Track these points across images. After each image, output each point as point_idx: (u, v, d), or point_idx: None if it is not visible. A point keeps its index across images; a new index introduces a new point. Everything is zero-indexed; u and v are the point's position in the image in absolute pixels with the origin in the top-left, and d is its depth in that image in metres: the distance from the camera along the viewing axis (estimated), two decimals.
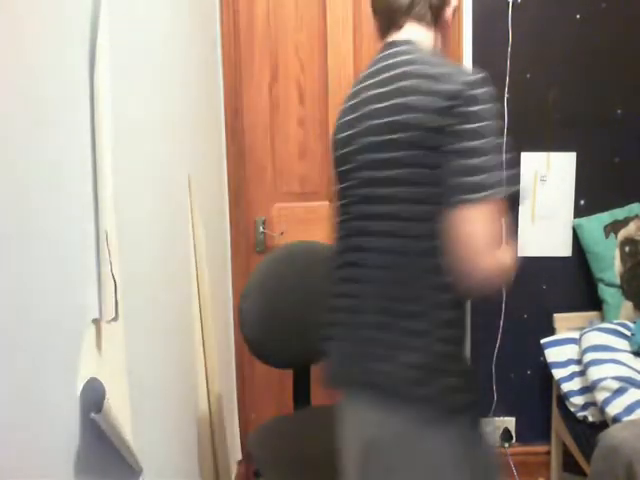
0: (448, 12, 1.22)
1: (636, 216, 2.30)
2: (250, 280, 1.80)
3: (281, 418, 1.68)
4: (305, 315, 1.76)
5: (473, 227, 1.00)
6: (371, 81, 1.17)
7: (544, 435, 2.42)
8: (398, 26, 1.20)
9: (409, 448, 1.06)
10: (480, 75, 1.05)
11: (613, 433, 1.69)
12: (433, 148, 1.04)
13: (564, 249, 2.37)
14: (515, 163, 2.18)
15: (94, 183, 0.92)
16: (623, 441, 1.63)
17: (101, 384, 0.87)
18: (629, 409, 1.83)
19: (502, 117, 2.28)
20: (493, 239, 1.01)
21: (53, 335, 0.79)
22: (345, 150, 1.20)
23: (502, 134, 1.70)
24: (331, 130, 1.30)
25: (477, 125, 1.02)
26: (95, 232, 0.92)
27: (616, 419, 1.82)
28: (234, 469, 2.26)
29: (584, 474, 1.96)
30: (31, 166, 0.74)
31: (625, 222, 2.29)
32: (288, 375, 1.96)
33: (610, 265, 2.26)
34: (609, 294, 2.26)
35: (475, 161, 1.01)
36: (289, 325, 1.75)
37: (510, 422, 2.45)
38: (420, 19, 1.19)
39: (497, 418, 2.44)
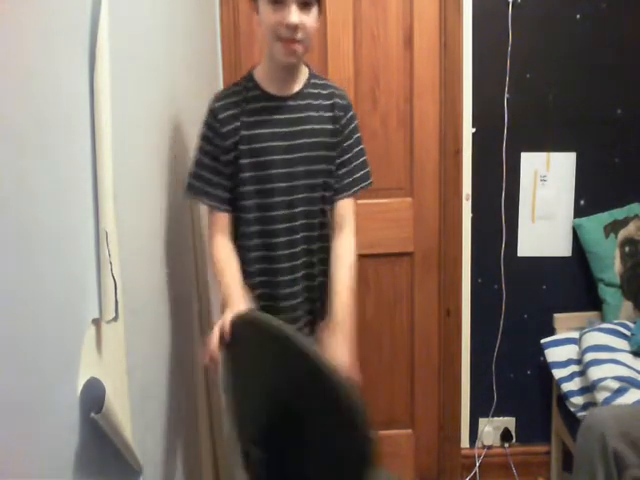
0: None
1: (636, 216, 2.30)
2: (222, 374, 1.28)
3: None
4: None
5: None
6: None
7: (544, 435, 2.42)
8: None
9: None
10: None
11: (592, 412, 1.76)
12: None
13: (564, 249, 2.37)
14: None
15: (94, 183, 0.92)
16: (598, 417, 1.69)
17: (101, 384, 0.87)
18: None
19: (502, 117, 2.29)
20: None
21: (53, 335, 0.79)
22: None
23: None
24: None
25: None
26: (95, 232, 0.92)
27: None
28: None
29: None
30: (31, 166, 0.74)
31: (625, 222, 2.29)
32: None
33: (610, 265, 2.26)
34: (609, 294, 2.26)
35: None
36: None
37: (510, 422, 2.46)
38: None
39: (497, 418, 2.45)
